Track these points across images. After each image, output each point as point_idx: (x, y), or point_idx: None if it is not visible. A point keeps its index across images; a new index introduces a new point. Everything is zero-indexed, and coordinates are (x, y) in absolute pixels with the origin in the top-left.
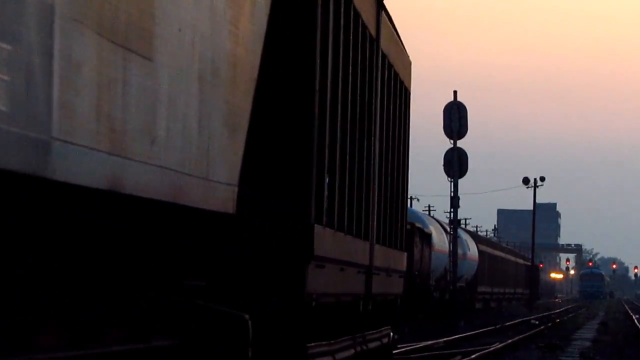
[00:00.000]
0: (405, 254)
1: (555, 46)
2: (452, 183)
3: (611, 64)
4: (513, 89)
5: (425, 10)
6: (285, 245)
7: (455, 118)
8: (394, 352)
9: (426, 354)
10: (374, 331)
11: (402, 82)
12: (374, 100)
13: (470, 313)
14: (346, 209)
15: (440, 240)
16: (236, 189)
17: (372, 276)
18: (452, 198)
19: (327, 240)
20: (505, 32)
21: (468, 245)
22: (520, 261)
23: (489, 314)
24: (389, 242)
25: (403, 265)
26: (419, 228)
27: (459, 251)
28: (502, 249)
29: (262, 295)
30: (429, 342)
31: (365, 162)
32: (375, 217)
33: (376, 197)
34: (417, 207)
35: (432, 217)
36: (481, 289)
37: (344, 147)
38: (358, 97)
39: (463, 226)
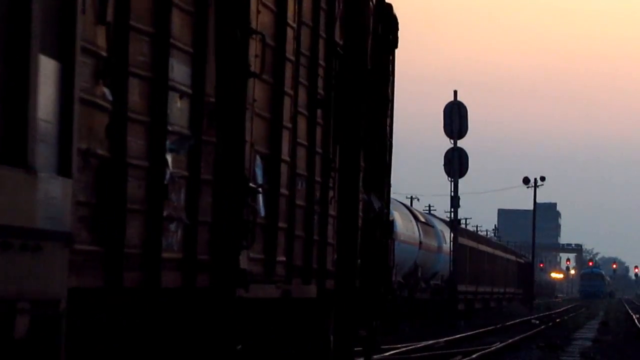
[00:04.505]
0: (66, 181)
1: (555, 46)
2: (452, 183)
3: (612, 64)
4: (514, 88)
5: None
6: None
7: (456, 118)
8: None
9: (427, 353)
10: None
11: None
12: None
13: (450, 316)
14: None
15: (407, 229)
16: None
17: None
18: (452, 198)
19: None
20: (506, 32)
21: (444, 237)
22: (512, 258)
23: (487, 315)
24: None
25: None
26: None
27: (432, 243)
28: (488, 243)
29: None
30: (430, 342)
31: None
32: None
33: None
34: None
35: (397, 200)
36: (462, 287)
37: None
38: None
39: (463, 225)
